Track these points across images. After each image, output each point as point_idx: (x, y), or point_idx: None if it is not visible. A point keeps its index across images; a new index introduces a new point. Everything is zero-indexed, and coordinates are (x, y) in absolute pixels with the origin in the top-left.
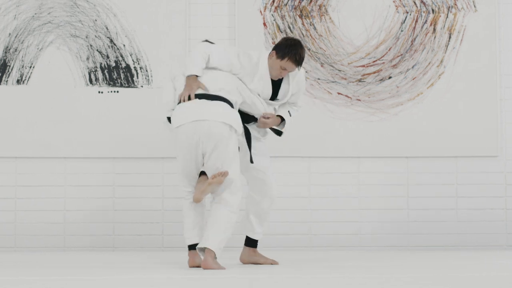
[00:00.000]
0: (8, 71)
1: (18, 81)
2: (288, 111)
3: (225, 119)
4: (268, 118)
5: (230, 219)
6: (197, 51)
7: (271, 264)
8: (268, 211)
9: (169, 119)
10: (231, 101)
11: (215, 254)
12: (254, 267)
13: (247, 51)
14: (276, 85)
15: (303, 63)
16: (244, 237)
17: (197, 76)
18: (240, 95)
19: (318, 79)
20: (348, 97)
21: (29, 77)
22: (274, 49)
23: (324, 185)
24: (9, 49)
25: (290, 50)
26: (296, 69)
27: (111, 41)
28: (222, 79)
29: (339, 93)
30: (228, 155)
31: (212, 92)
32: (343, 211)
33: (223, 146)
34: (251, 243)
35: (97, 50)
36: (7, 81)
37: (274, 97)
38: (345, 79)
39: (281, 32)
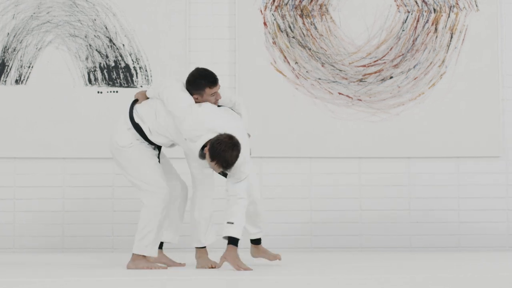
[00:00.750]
0: (7, 71)
1: (16, 81)
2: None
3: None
4: None
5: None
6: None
7: (274, 259)
8: (258, 212)
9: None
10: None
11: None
12: (255, 268)
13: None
14: None
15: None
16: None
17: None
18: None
19: (319, 79)
20: (349, 97)
21: (27, 77)
22: (209, 143)
23: (325, 186)
24: (8, 49)
25: (218, 155)
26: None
27: (111, 40)
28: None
29: (340, 93)
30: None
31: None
32: (344, 212)
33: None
34: (253, 241)
35: (96, 49)
36: (5, 81)
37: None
38: (346, 79)
39: (282, 32)
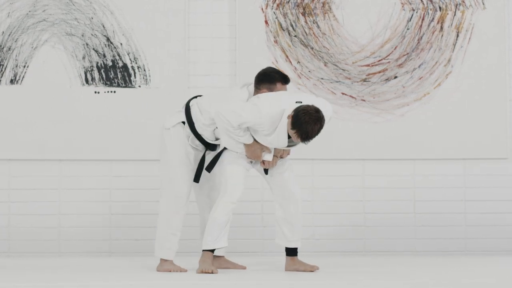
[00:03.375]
0: (2, 70)
1: (11, 81)
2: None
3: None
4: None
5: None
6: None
7: (310, 270)
8: (297, 215)
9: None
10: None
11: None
12: (251, 273)
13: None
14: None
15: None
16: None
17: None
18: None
19: (322, 78)
20: (353, 97)
21: (23, 77)
22: (293, 111)
23: (328, 188)
24: (3, 48)
25: (300, 125)
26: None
27: (108, 39)
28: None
29: (343, 93)
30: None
31: None
32: (347, 215)
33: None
34: (289, 252)
35: (93, 49)
36: (0, 81)
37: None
38: (349, 78)
39: (283, 30)
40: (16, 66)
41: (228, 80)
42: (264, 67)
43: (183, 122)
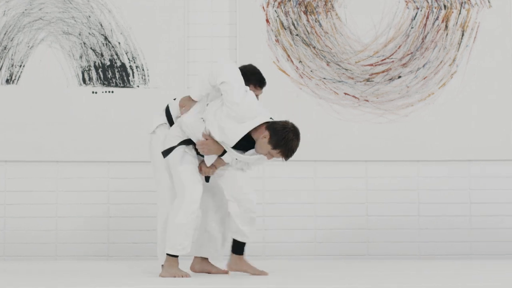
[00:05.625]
0: None
1: (7, 81)
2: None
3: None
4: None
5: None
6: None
7: (259, 274)
8: (252, 214)
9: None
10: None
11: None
12: (249, 277)
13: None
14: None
15: None
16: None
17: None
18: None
19: (324, 78)
20: (356, 97)
21: (19, 77)
22: (269, 129)
23: (330, 191)
24: None
25: (285, 144)
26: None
27: (106, 38)
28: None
29: (346, 94)
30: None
31: None
32: (350, 218)
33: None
34: (238, 249)
35: (91, 48)
36: None
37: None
38: (352, 78)
39: (285, 29)
40: (12, 66)
41: None
42: (261, 67)
43: (166, 123)
